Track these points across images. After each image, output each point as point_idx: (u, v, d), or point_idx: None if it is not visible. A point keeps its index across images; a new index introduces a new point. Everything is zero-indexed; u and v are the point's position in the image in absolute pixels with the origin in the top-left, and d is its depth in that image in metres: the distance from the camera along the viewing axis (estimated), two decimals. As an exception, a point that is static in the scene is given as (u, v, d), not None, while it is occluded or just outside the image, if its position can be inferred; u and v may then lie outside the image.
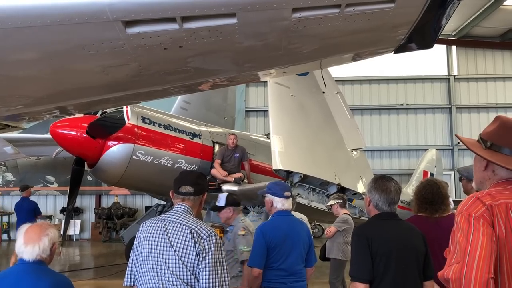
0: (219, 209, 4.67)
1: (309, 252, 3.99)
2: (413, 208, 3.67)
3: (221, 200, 4.65)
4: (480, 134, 2.14)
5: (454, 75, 19.10)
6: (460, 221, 1.87)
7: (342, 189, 8.20)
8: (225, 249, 4.40)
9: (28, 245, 2.59)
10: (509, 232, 1.82)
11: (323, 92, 9.28)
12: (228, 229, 4.69)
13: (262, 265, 3.77)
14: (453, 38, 18.98)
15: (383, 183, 3.01)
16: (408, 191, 14.67)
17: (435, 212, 3.48)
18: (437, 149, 16.88)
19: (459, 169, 5.39)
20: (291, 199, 4.08)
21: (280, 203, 3.96)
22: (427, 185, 3.61)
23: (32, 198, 17.07)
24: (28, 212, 10.55)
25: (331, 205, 7.10)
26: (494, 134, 2.04)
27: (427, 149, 17.09)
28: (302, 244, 3.90)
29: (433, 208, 3.49)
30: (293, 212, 5.79)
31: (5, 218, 16.94)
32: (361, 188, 8.49)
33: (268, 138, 9.22)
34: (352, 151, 9.58)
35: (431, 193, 3.52)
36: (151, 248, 2.62)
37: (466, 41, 18.96)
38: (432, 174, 15.53)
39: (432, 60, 18.73)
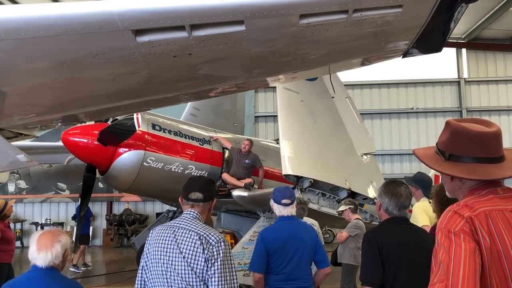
0: None
1: (317, 253, 3.90)
2: (435, 211, 3.50)
3: None
4: (436, 143, 2.01)
5: (465, 78, 18.94)
6: (440, 239, 1.75)
7: (352, 194, 8.15)
8: None
9: (41, 251, 2.62)
10: (493, 241, 1.71)
11: (332, 97, 9.25)
12: None
13: (262, 269, 3.74)
14: (463, 41, 18.84)
15: (394, 187, 3.01)
16: (420, 195, 14.51)
17: None
18: (448, 153, 16.70)
19: (406, 178, 4.58)
20: (291, 206, 3.96)
21: (277, 210, 3.95)
22: None
23: (45, 205, 17.50)
24: None
25: (342, 211, 7.06)
26: (449, 144, 1.93)
27: (438, 153, 16.93)
28: (305, 247, 3.83)
29: None
30: (304, 218, 5.77)
31: (18, 225, 17.08)
32: (371, 192, 8.43)
33: (278, 143, 9.20)
34: (362, 155, 9.51)
35: None
36: (160, 255, 2.63)
37: (476, 43, 18.79)
38: (443, 178, 15.36)
39: (441, 64, 18.58)
